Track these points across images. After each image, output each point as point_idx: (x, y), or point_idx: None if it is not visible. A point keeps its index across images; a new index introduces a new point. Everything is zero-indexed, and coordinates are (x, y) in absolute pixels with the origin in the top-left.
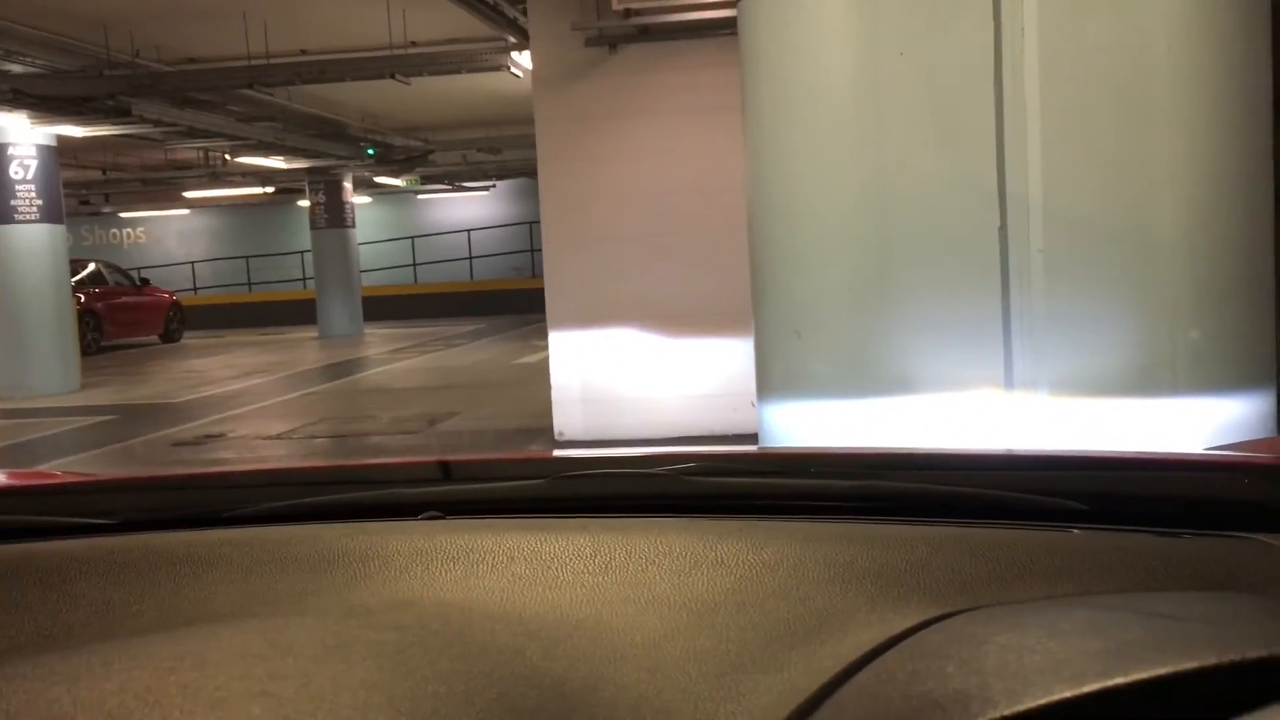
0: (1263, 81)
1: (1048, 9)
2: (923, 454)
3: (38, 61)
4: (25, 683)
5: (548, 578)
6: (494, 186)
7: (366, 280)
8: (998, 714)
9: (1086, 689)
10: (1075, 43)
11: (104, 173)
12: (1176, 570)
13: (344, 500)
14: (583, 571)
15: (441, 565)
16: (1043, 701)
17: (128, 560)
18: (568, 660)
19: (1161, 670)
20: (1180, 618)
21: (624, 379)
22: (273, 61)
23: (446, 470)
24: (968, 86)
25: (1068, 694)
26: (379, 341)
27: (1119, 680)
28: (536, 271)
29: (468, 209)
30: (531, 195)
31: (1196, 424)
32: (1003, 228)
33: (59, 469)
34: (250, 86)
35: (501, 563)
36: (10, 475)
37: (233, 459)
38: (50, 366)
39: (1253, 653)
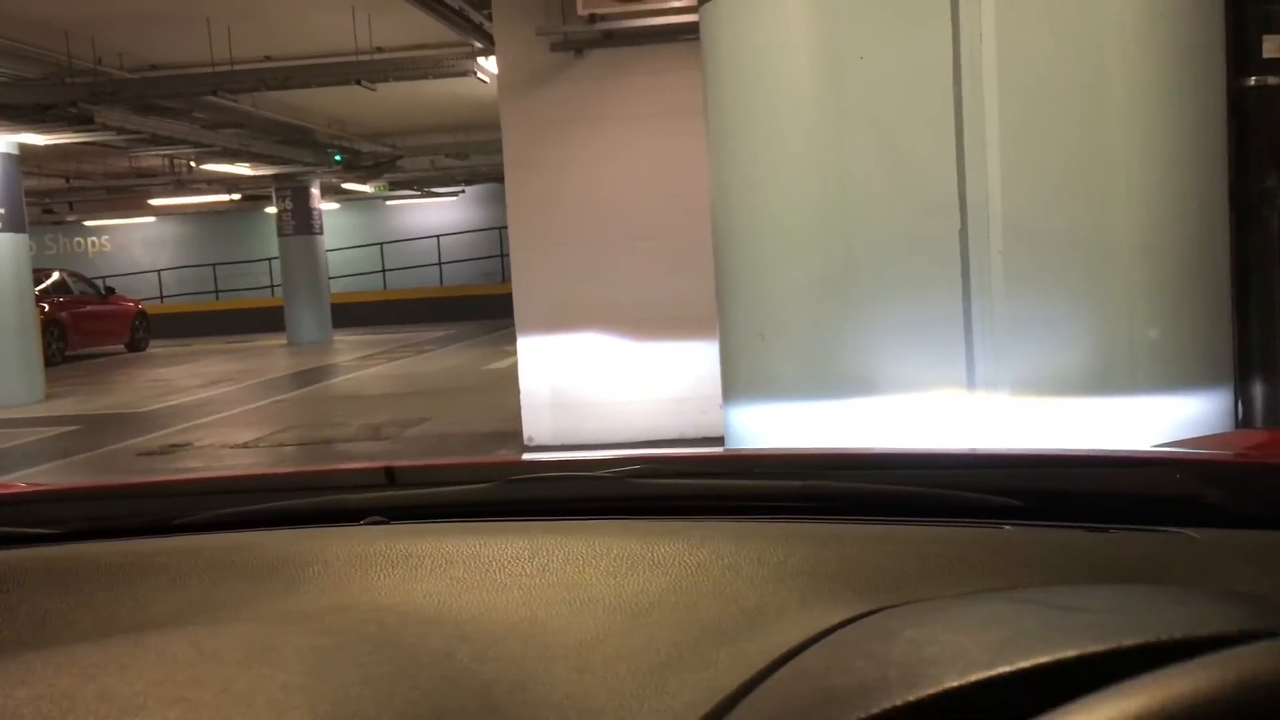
0: (1216, 85)
1: (1005, 15)
2: (866, 454)
3: None
4: None
5: (485, 581)
6: (463, 192)
7: (335, 287)
8: (890, 704)
9: (971, 678)
10: (1032, 47)
11: (67, 181)
12: (1102, 564)
13: (289, 507)
14: (520, 574)
15: (381, 570)
16: (932, 691)
17: (67, 570)
18: (499, 662)
19: (1043, 659)
20: (1077, 609)
21: (593, 383)
22: (237, 68)
23: (391, 476)
24: (927, 90)
25: (955, 683)
26: (348, 348)
27: (1003, 669)
28: (506, 277)
29: (437, 214)
30: (501, 200)
31: (1155, 422)
32: (963, 230)
33: (21, 480)
34: (214, 93)
35: (440, 566)
36: None
37: (199, 468)
38: (13, 377)
39: (1129, 640)
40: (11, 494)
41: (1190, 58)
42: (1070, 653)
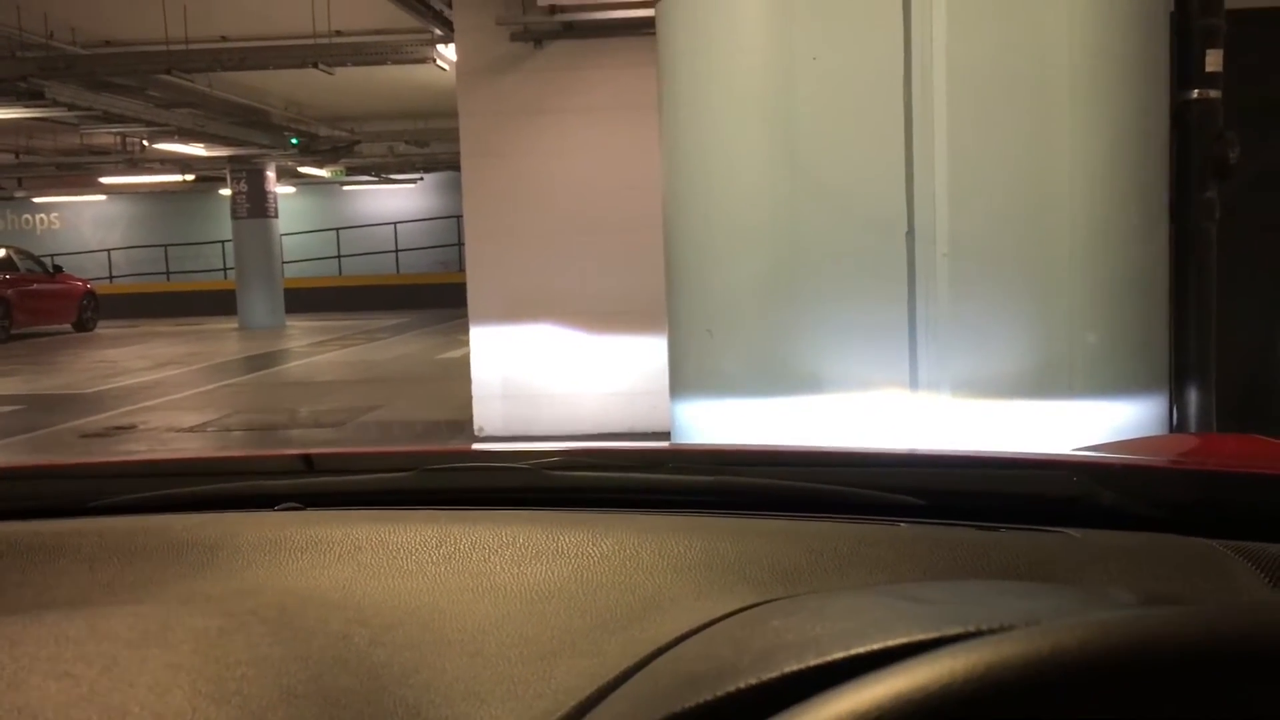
0: (1160, 97)
1: (956, 19)
2: (778, 451)
3: None
4: None
5: (391, 567)
6: (421, 179)
7: (289, 271)
8: (736, 686)
9: (810, 663)
10: (981, 52)
11: (17, 156)
12: (986, 562)
13: (205, 492)
14: (426, 561)
15: (289, 555)
16: (774, 675)
17: None
18: (394, 646)
19: (875, 645)
20: (928, 601)
21: (545, 375)
22: (192, 47)
23: (309, 463)
24: (878, 91)
25: (795, 667)
26: (301, 334)
27: (838, 655)
28: (463, 265)
29: (394, 201)
30: (459, 189)
31: (1092, 425)
32: (909, 233)
33: None
34: (169, 72)
35: (348, 552)
36: None
37: (143, 452)
38: None
39: (951, 629)
40: None
41: (1135, 69)
42: (900, 640)
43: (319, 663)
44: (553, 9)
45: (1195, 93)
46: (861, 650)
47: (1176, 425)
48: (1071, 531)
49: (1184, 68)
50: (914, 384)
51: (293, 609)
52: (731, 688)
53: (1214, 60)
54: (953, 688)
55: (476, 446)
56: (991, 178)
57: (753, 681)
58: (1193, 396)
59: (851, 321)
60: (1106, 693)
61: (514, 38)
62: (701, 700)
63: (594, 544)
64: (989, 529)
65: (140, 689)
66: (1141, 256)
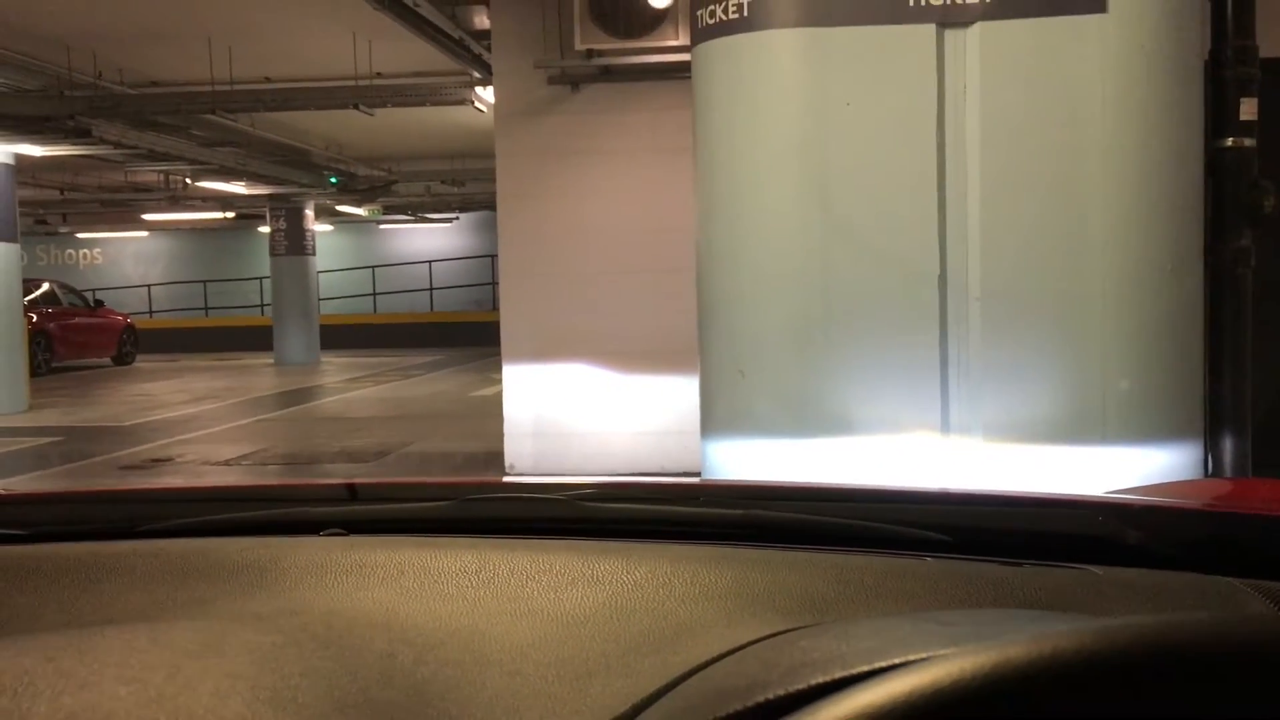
0: (1194, 142)
1: (989, 66)
2: (807, 487)
3: None
4: None
5: (433, 591)
6: (457, 219)
7: (325, 308)
8: (764, 697)
9: (835, 675)
10: (1014, 99)
11: (62, 193)
12: (1008, 595)
13: (252, 518)
14: (467, 586)
15: (335, 578)
16: (802, 686)
17: (37, 568)
18: (436, 664)
19: (897, 659)
20: (947, 624)
21: (577, 413)
22: (236, 88)
23: (353, 491)
24: (911, 138)
25: (821, 679)
26: (336, 370)
27: (862, 668)
28: (497, 304)
29: (430, 240)
30: (494, 228)
31: (1126, 471)
32: (942, 276)
33: None
34: (213, 112)
35: (392, 576)
36: None
37: (182, 483)
38: None
39: (968, 645)
40: None
41: (1168, 116)
42: (920, 655)
43: (366, 678)
44: (590, 53)
45: (1229, 140)
46: (884, 664)
47: (1212, 471)
48: (1095, 569)
49: (1218, 116)
50: (945, 427)
51: (339, 628)
52: (760, 698)
53: (1248, 109)
54: (961, 683)
55: (514, 479)
56: (1023, 223)
57: (781, 693)
58: (1227, 442)
59: (883, 364)
60: (1102, 690)
61: (551, 81)
62: (731, 710)
63: (628, 572)
64: (1013, 565)
65: (203, 695)
66: (1175, 302)
